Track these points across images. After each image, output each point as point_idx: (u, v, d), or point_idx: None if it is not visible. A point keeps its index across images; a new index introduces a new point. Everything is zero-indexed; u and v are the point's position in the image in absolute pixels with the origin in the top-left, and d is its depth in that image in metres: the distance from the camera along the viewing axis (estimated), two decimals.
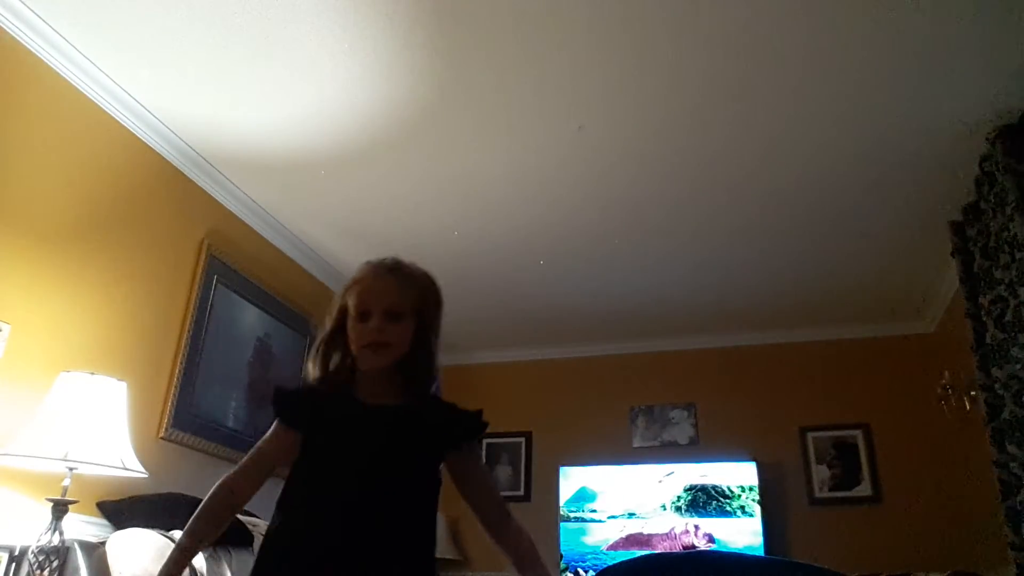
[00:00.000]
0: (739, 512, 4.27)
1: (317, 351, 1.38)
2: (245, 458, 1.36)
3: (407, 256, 1.49)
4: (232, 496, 1.33)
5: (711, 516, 4.29)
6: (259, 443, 1.36)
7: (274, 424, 1.36)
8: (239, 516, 2.62)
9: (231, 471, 1.34)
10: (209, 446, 3.05)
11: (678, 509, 4.35)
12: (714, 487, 4.35)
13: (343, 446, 1.30)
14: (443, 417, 1.38)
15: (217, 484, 1.32)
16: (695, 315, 4.55)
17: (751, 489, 4.29)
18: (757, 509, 4.25)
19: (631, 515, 4.40)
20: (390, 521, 1.26)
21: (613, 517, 4.43)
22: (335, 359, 1.37)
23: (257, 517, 2.85)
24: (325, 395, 1.37)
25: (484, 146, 3.01)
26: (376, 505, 1.26)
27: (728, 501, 4.31)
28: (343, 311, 1.38)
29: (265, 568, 1.25)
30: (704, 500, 4.34)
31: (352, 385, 1.37)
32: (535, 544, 1.37)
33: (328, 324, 1.39)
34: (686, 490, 4.38)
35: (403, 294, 1.37)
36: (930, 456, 4.22)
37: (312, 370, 1.38)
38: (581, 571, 4.30)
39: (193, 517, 1.30)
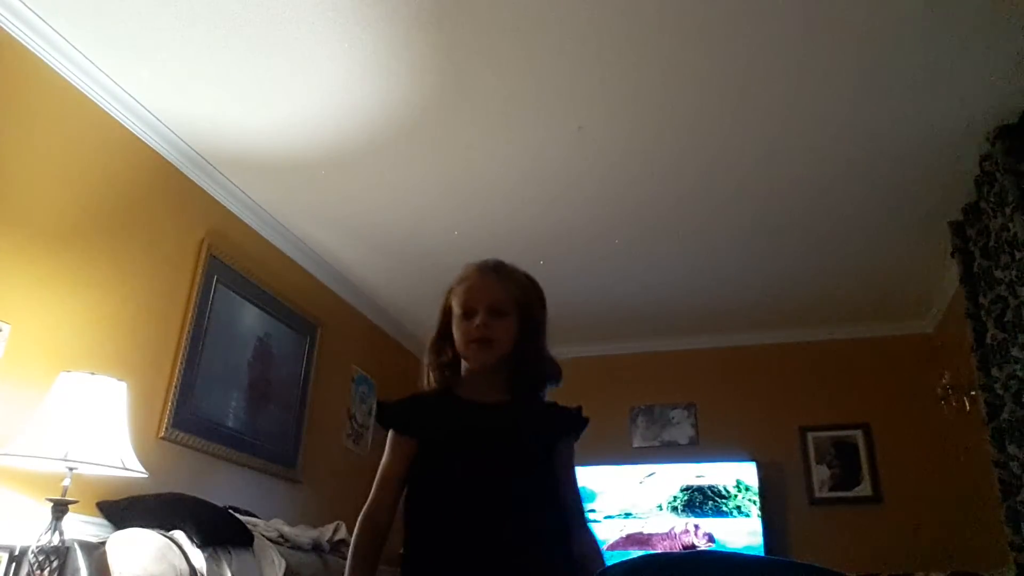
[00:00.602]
0: (736, 512, 4.27)
1: (430, 353, 1.43)
2: (373, 489, 1.37)
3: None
4: (377, 529, 1.34)
5: (709, 516, 4.29)
6: (380, 467, 1.38)
7: (389, 437, 1.39)
8: (239, 516, 2.62)
9: (366, 506, 1.36)
10: (209, 446, 3.05)
11: (674, 509, 4.35)
12: (711, 487, 4.35)
13: (460, 446, 1.33)
14: (548, 414, 1.42)
15: (359, 526, 1.34)
16: (695, 315, 4.55)
17: (747, 488, 4.29)
18: (755, 509, 4.25)
19: (628, 515, 4.40)
20: (516, 513, 1.28)
21: (610, 517, 4.43)
22: (449, 357, 1.41)
23: (257, 517, 2.86)
24: (429, 400, 1.41)
25: (484, 146, 3.01)
26: (501, 498, 1.28)
27: (725, 501, 4.31)
28: (447, 313, 1.42)
29: (416, 572, 1.28)
30: (700, 500, 4.34)
31: (456, 387, 1.40)
32: (601, 559, 1.33)
33: (435, 328, 1.44)
34: (683, 490, 4.38)
35: (506, 291, 1.41)
36: (930, 456, 4.22)
37: (426, 375, 1.44)
38: None
39: (349, 568, 1.31)
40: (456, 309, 1.40)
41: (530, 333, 1.41)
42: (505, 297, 1.39)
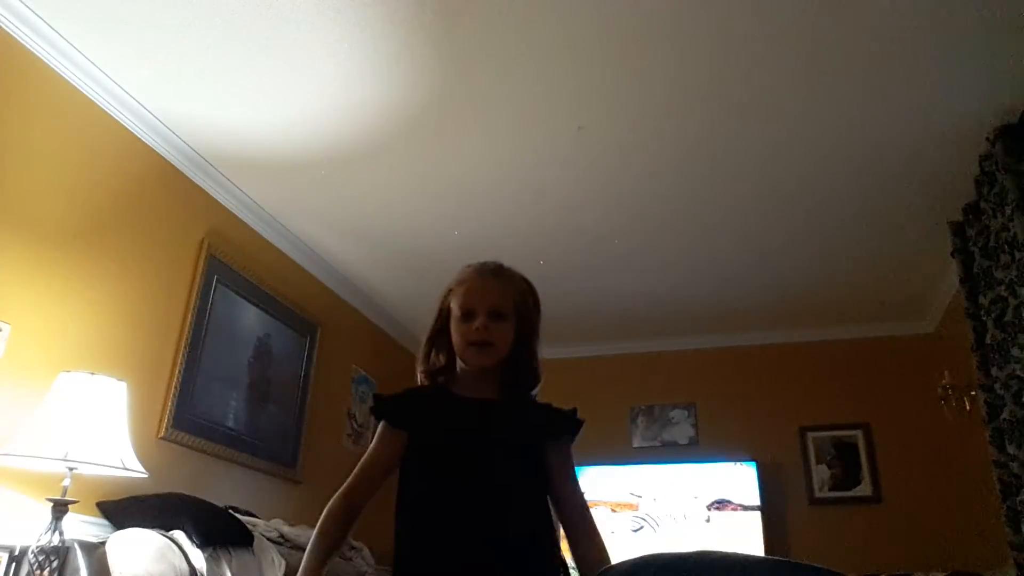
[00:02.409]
0: (738, 511, 4.27)
1: (422, 352, 1.44)
2: (353, 474, 1.37)
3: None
4: (347, 512, 1.34)
5: (709, 516, 4.29)
6: (366, 454, 1.38)
7: (379, 429, 1.39)
8: (239, 516, 2.62)
9: (341, 488, 1.36)
10: (209, 446, 3.05)
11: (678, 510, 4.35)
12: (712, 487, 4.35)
13: (450, 438, 1.33)
14: (541, 414, 1.41)
15: (329, 506, 1.34)
16: (695, 315, 4.55)
17: (751, 489, 4.29)
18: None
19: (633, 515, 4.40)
20: (507, 509, 1.28)
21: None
22: (443, 361, 1.42)
23: (257, 517, 2.85)
24: (424, 394, 1.42)
25: (484, 146, 3.01)
26: (492, 493, 1.28)
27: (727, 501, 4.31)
28: (445, 312, 1.43)
29: (407, 568, 1.28)
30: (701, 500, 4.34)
31: (450, 384, 1.41)
32: (608, 558, 1.31)
33: (430, 327, 1.45)
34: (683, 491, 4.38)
35: (506, 295, 1.41)
36: (930, 456, 4.22)
37: (421, 372, 1.44)
38: None
39: (309, 545, 1.31)
40: (455, 311, 1.40)
41: (526, 337, 1.42)
42: (505, 300, 1.40)
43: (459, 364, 1.42)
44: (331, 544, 1.33)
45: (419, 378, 1.46)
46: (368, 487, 1.37)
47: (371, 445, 1.39)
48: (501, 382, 1.40)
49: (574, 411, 1.42)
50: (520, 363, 1.41)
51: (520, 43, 2.44)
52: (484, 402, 1.37)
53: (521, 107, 2.76)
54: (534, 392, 1.44)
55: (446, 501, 1.28)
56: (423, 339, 1.46)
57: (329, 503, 1.35)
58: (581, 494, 1.41)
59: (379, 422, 1.40)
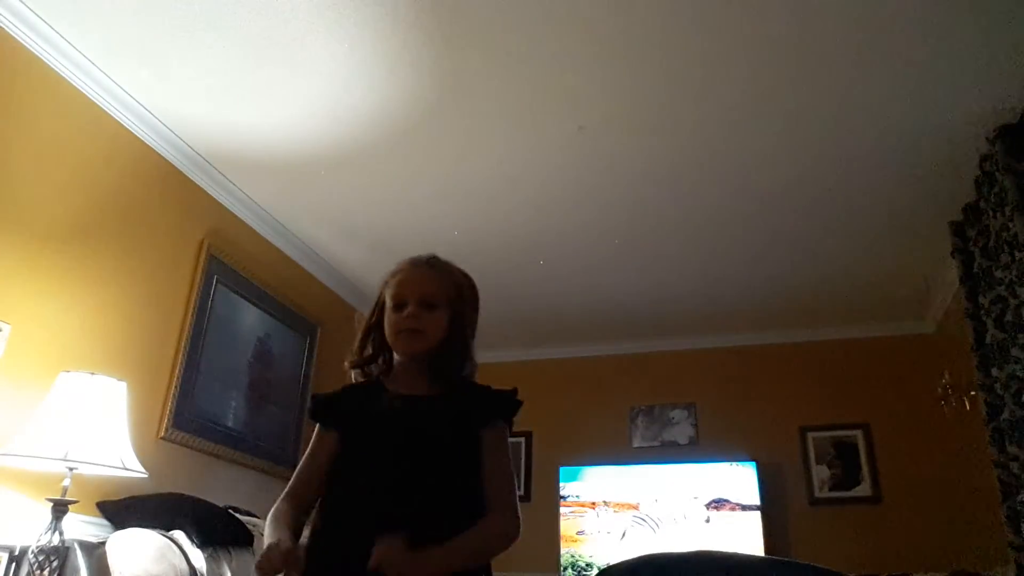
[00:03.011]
0: (738, 511, 4.27)
1: (356, 344, 1.42)
2: (286, 487, 1.34)
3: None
4: (288, 510, 1.28)
5: (708, 516, 4.29)
6: (297, 467, 1.37)
7: (314, 433, 1.38)
8: (239, 516, 2.62)
9: (284, 489, 1.33)
10: (209, 446, 3.05)
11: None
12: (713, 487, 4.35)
13: (374, 436, 1.32)
14: (474, 397, 1.38)
15: (273, 507, 1.29)
16: (695, 315, 4.55)
17: (751, 489, 4.29)
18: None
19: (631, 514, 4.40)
20: (425, 503, 1.24)
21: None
22: (370, 352, 1.40)
23: (256, 517, 2.85)
24: (358, 391, 1.40)
25: (484, 146, 3.01)
26: (409, 488, 1.25)
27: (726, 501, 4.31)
28: (380, 305, 1.42)
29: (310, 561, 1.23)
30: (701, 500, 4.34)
31: (386, 379, 1.39)
32: (483, 539, 1.24)
33: (365, 319, 1.43)
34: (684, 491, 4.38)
35: (438, 285, 1.40)
36: (930, 456, 4.22)
37: (348, 363, 1.42)
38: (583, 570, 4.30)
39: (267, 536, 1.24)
40: (388, 301, 1.40)
41: (459, 329, 1.40)
42: (436, 290, 1.39)
43: (395, 359, 1.40)
44: (289, 522, 1.26)
45: (351, 374, 1.43)
46: (305, 488, 1.32)
47: (304, 454, 1.37)
48: (432, 374, 1.38)
49: (511, 391, 1.38)
50: (451, 354, 1.38)
51: (519, 44, 2.44)
52: (412, 397, 1.35)
53: (521, 107, 2.76)
54: (456, 381, 1.39)
55: (359, 493, 1.26)
56: (357, 334, 1.43)
57: (272, 509, 1.29)
58: (503, 476, 1.33)
59: (312, 421, 1.38)
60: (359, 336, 1.43)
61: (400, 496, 1.24)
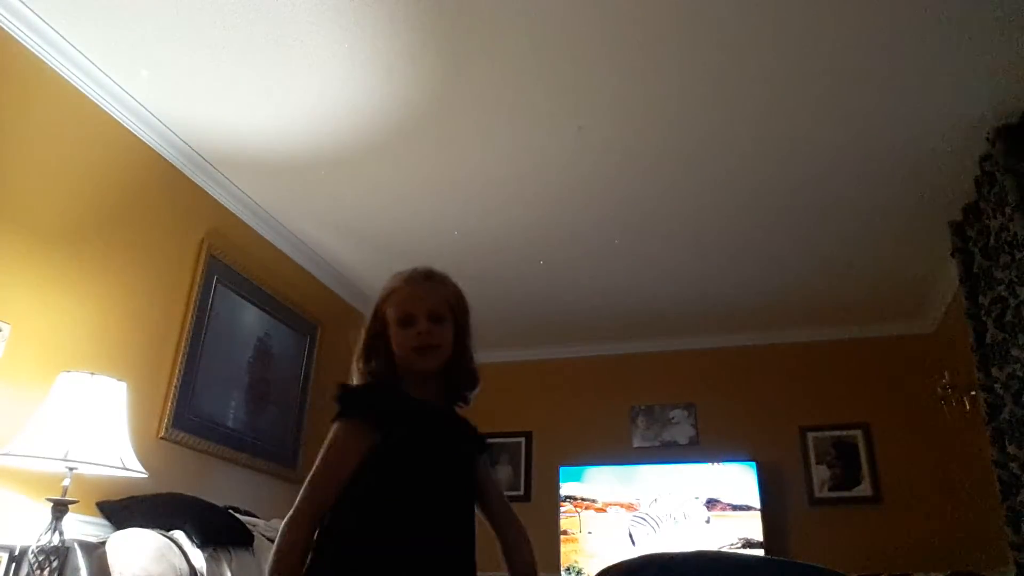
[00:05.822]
0: (738, 511, 4.27)
1: (358, 359, 1.40)
2: (317, 487, 1.24)
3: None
4: (315, 524, 1.23)
5: (708, 516, 4.29)
6: (330, 462, 1.26)
7: (342, 425, 1.30)
8: (239, 516, 2.62)
9: (308, 505, 1.22)
10: (209, 446, 3.05)
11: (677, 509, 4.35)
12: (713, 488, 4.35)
13: (431, 448, 1.33)
14: (469, 425, 1.46)
15: (302, 528, 1.21)
16: (695, 315, 4.55)
17: (751, 489, 4.29)
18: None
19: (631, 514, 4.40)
20: (471, 518, 1.35)
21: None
22: (376, 365, 1.39)
23: (256, 517, 2.85)
24: (389, 395, 1.36)
25: (484, 146, 3.01)
26: (466, 509, 1.34)
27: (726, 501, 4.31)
28: (380, 320, 1.40)
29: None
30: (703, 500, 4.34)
31: (403, 387, 1.39)
32: (536, 570, 1.39)
33: (363, 333, 1.41)
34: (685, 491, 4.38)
35: (442, 297, 1.42)
36: (930, 456, 4.22)
37: (356, 378, 1.40)
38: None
39: (289, 568, 1.18)
40: (393, 317, 1.38)
41: (463, 338, 1.43)
42: (441, 303, 1.41)
43: (400, 370, 1.39)
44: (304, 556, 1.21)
45: (361, 382, 1.40)
46: (331, 499, 1.24)
47: (336, 450, 1.27)
48: (443, 386, 1.41)
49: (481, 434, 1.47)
50: (461, 365, 1.42)
51: (520, 43, 2.44)
52: (441, 408, 1.40)
53: (521, 107, 2.76)
54: (472, 395, 1.46)
55: (429, 508, 1.28)
56: (357, 346, 1.41)
57: (299, 525, 1.20)
58: (504, 498, 1.45)
59: (348, 419, 1.29)
60: (362, 349, 1.40)
61: (468, 518, 1.33)
